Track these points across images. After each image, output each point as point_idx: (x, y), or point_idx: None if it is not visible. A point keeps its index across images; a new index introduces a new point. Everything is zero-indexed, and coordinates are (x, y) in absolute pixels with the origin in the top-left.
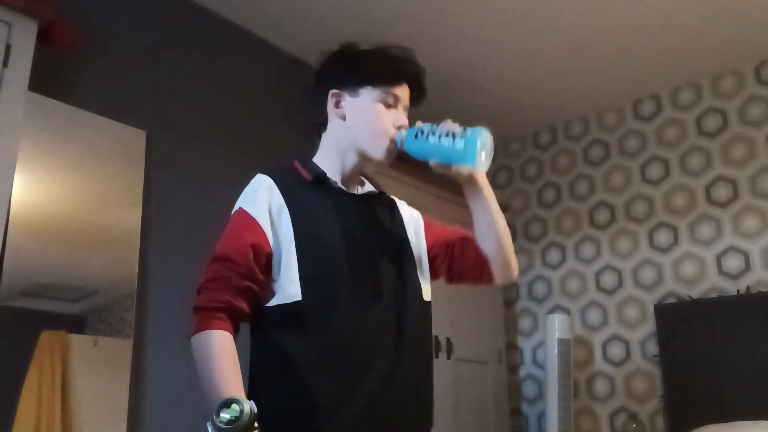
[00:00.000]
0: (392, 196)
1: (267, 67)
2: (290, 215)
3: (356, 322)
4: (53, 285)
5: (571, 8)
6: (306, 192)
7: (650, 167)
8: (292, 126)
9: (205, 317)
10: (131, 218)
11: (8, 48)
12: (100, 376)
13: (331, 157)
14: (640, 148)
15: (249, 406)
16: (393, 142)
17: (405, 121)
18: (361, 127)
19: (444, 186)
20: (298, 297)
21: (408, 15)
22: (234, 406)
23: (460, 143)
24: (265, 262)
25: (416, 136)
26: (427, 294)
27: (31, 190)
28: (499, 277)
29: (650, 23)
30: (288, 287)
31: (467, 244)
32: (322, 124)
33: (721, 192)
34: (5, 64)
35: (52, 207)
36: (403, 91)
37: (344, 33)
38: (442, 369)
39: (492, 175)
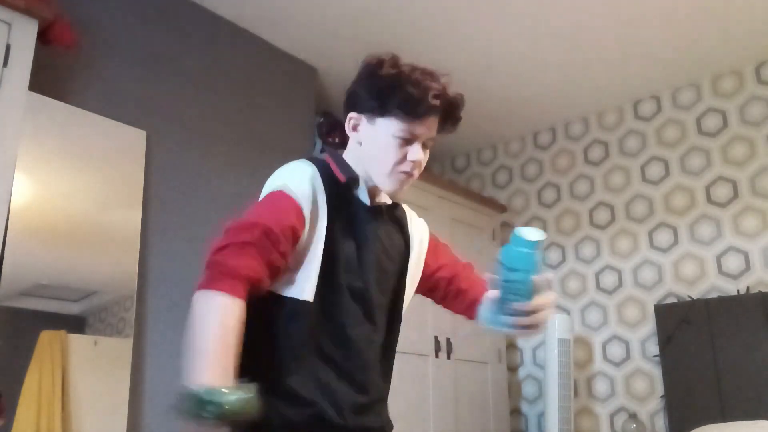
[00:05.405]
0: (405, 206)
1: (267, 67)
2: (327, 215)
3: (354, 335)
4: (53, 285)
5: (571, 8)
6: (340, 194)
7: (650, 167)
8: (291, 126)
9: (233, 281)
10: (131, 218)
11: (8, 48)
12: (100, 376)
13: (354, 166)
14: (640, 148)
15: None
16: (405, 174)
17: (419, 156)
18: (373, 158)
19: (445, 186)
20: (309, 299)
21: (409, 16)
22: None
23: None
24: (294, 249)
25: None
26: (405, 308)
27: (31, 190)
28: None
29: (650, 23)
30: (304, 284)
31: (464, 291)
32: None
33: (721, 192)
34: (5, 64)
35: (52, 207)
36: (424, 126)
37: (344, 33)
38: (442, 369)
39: (492, 174)
